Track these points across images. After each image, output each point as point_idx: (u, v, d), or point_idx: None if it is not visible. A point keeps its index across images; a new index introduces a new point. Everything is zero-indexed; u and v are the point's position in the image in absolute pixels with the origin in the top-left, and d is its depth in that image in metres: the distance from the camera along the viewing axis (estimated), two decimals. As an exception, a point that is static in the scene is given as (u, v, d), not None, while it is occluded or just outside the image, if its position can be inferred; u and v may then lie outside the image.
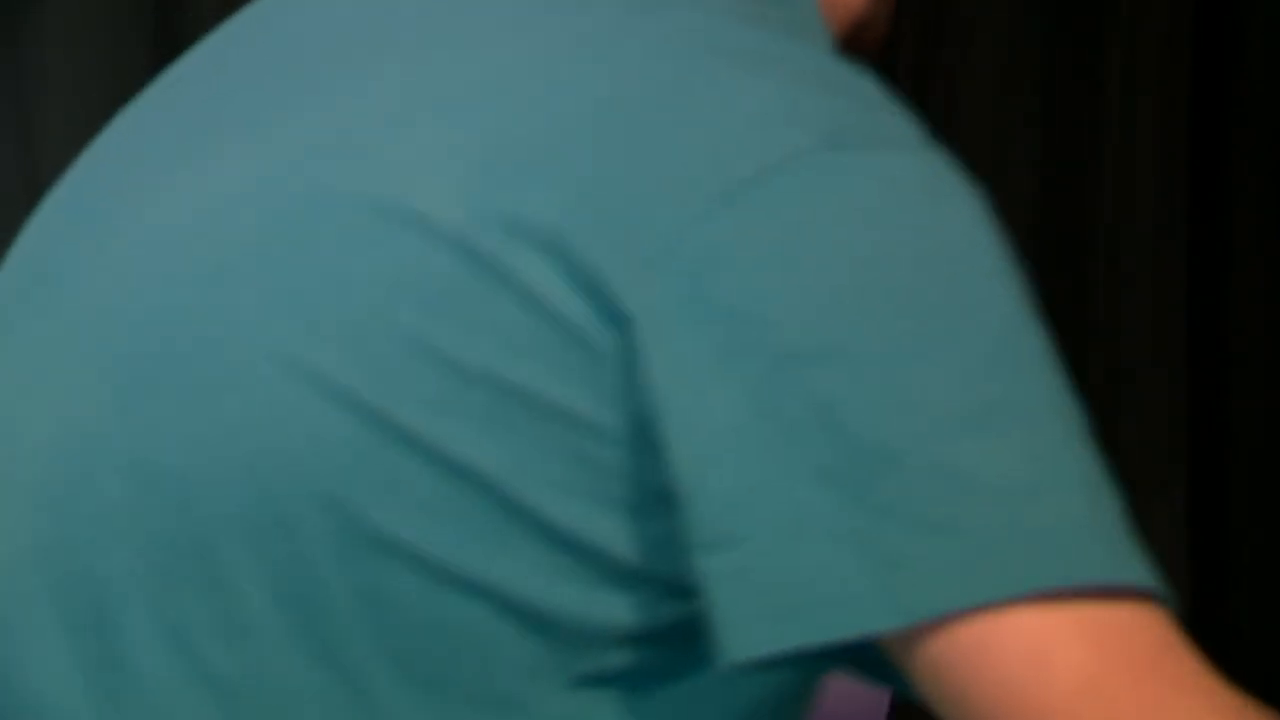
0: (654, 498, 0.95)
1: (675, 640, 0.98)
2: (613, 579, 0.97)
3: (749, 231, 0.93)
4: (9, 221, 3.14)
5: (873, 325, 0.92)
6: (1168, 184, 3.21)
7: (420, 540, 0.96)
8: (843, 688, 2.84)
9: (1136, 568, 0.92)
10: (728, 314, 0.93)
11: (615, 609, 0.97)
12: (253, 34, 1.12)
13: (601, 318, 0.94)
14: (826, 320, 0.92)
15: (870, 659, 1.04)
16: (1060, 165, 3.20)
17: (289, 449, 0.97)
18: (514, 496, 0.95)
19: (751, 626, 0.92)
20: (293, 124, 1.03)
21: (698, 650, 0.98)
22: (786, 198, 0.93)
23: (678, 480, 0.93)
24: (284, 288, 0.99)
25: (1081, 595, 0.91)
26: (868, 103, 0.97)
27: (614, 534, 0.96)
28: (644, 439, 0.94)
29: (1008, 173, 3.25)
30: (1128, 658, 0.91)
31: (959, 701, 0.92)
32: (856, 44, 1.16)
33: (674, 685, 1.00)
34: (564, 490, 0.95)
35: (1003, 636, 0.91)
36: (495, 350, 0.95)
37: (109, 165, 1.13)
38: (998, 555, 0.90)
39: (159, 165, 1.08)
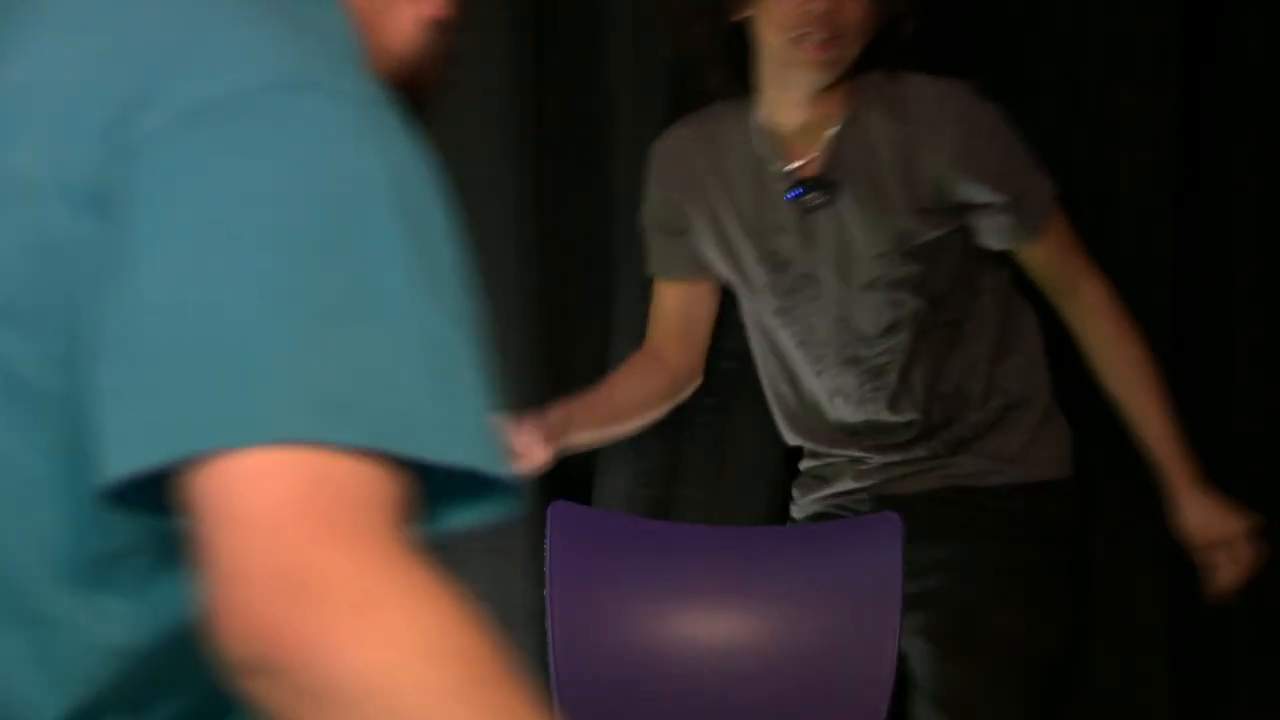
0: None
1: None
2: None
3: (200, 145, 1.21)
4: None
5: (264, 230, 1.19)
6: (1160, 187, 3.21)
7: None
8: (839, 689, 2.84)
9: (377, 438, 1.15)
10: (179, 201, 1.20)
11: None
12: None
13: (90, 209, 1.22)
14: (241, 220, 1.19)
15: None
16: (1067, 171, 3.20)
17: None
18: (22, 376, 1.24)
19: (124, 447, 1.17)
20: None
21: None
22: (237, 124, 1.22)
23: (105, 326, 1.19)
24: None
25: (319, 452, 1.14)
26: (326, 59, 1.27)
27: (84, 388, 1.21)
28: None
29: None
30: (330, 503, 1.13)
31: (204, 524, 1.15)
32: (411, 80, 1.45)
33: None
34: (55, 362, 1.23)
35: (243, 471, 1.14)
36: (21, 258, 1.25)
37: None
38: (267, 408, 1.15)
39: None
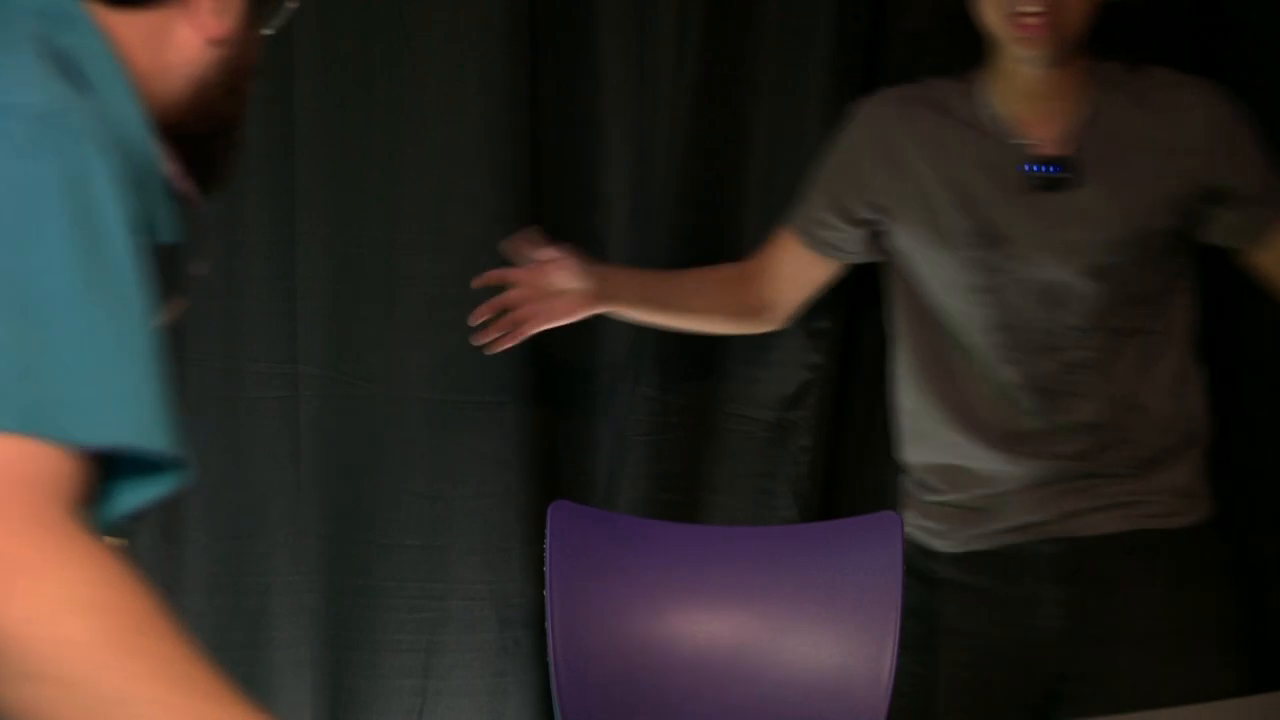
0: None
1: None
2: None
3: None
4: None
5: None
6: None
7: None
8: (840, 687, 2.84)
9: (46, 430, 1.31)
10: None
11: None
12: None
13: None
14: None
15: None
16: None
17: None
18: None
19: None
20: None
21: None
22: None
23: None
24: None
25: None
26: (27, 82, 1.41)
27: None
28: None
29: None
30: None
31: None
32: (211, 98, 1.59)
33: None
34: None
35: None
36: None
37: None
38: None
39: None
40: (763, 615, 2.89)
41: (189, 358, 3.16)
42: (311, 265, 3.15)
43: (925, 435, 2.92)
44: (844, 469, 3.22)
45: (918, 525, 2.94)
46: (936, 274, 2.88)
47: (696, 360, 3.16)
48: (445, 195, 3.15)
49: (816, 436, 3.17)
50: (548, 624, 2.85)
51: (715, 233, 3.16)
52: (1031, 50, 2.78)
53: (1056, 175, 2.81)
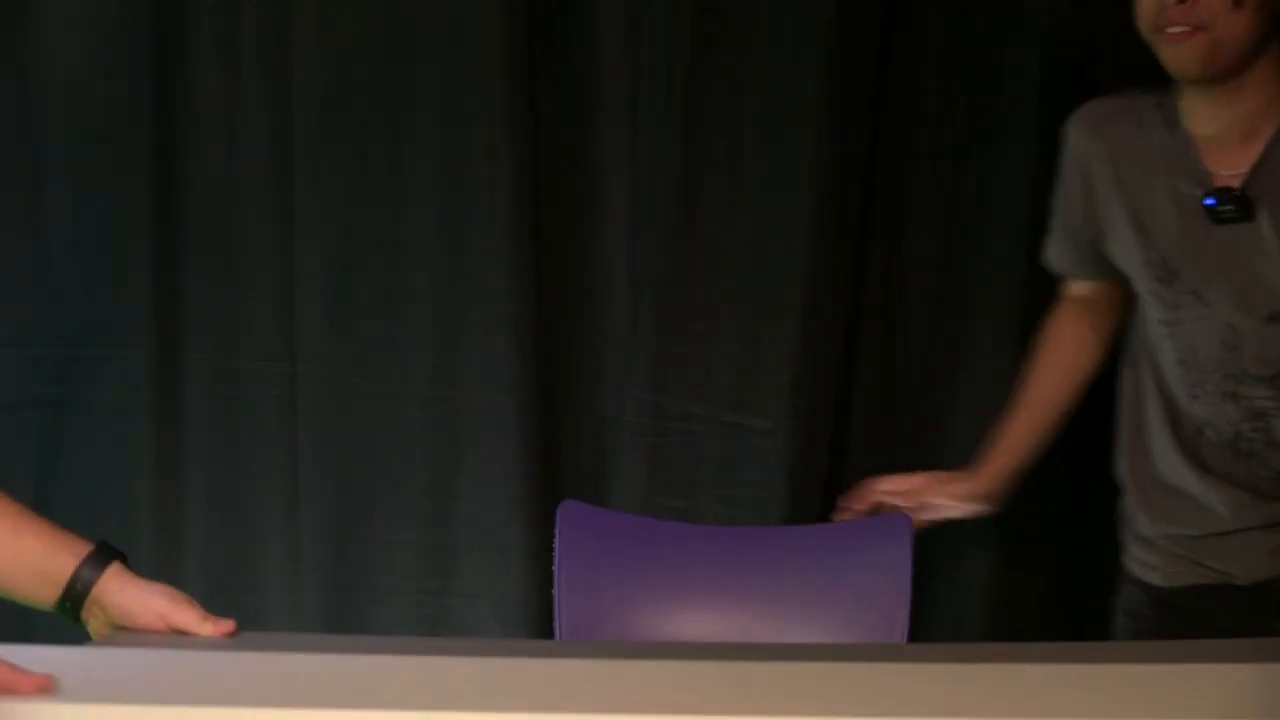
0: None
1: None
2: None
3: None
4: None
5: None
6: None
7: None
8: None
9: None
10: None
11: None
12: None
13: None
14: None
15: None
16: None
17: None
18: None
19: None
20: None
21: None
22: None
23: None
24: None
25: None
26: None
27: None
28: None
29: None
30: None
31: None
32: None
33: None
34: None
35: None
36: None
37: None
38: None
39: None
40: (771, 616, 2.89)
41: (189, 356, 3.15)
42: (311, 265, 3.14)
43: (1146, 454, 2.78)
44: (842, 474, 3.21)
45: (1137, 559, 2.80)
46: (1140, 299, 2.75)
47: (694, 365, 3.16)
48: (444, 194, 3.15)
49: (814, 442, 3.16)
50: (555, 623, 2.86)
51: (716, 229, 3.16)
52: (1183, 68, 2.59)
53: (1230, 210, 2.61)
